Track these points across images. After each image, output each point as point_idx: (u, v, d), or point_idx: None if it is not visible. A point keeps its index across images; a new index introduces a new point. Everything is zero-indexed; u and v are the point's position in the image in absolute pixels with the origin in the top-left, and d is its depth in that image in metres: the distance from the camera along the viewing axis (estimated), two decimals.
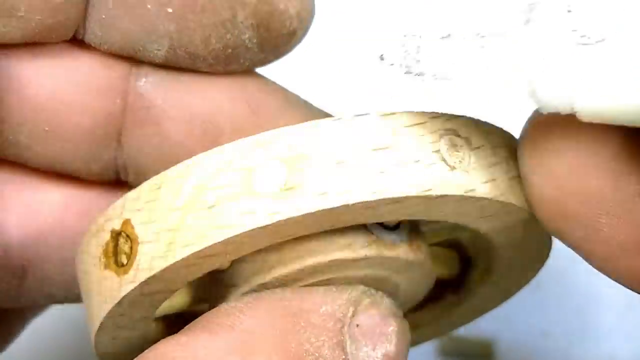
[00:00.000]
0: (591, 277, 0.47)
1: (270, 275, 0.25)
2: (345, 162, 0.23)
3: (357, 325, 0.25)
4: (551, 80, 0.18)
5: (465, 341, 0.45)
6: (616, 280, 0.22)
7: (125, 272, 0.24)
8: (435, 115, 0.23)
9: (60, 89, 0.29)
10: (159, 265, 0.23)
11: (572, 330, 0.46)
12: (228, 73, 0.29)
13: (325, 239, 0.25)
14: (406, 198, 0.22)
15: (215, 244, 0.22)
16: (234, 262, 0.25)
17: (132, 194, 0.24)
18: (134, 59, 0.29)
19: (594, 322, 0.46)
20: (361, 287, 0.26)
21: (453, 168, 0.23)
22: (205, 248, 0.23)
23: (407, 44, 0.22)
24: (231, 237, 0.22)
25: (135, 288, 0.23)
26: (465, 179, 0.23)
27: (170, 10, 0.28)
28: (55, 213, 0.31)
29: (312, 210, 0.22)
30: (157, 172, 0.26)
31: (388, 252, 0.25)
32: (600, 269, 0.22)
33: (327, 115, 0.30)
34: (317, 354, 0.24)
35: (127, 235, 0.24)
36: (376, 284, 0.26)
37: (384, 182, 0.22)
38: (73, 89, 0.29)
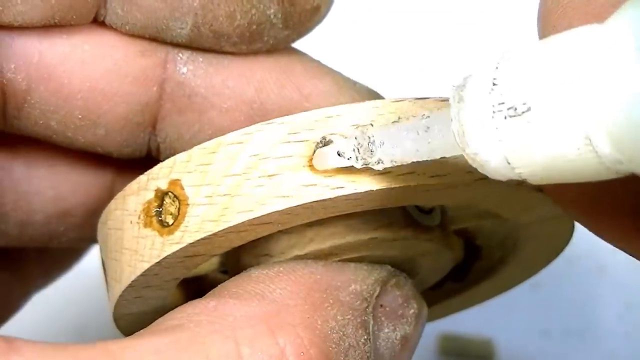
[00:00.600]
0: (591, 277, 0.48)
1: (306, 249, 0.25)
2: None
3: (381, 306, 0.25)
4: (492, 155, 0.18)
5: (465, 341, 0.45)
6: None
7: (170, 233, 0.23)
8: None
9: (94, 76, 0.28)
10: (210, 229, 0.23)
11: (572, 330, 0.46)
12: (252, 52, 0.29)
13: (365, 217, 0.25)
14: (461, 183, 0.22)
15: (273, 212, 0.22)
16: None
17: (181, 156, 0.24)
18: (158, 40, 0.28)
19: (594, 322, 0.46)
20: (388, 267, 0.26)
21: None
22: (263, 216, 0.22)
23: (358, 137, 0.22)
24: (290, 208, 0.22)
25: (180, 250, 0.23)
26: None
27: None
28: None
29: (374, 189, 0.22)
30: None
31: (424, 235, 0.26)
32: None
33: (378, 96, 0.30)
34: (341, 332, 0.24)
35: (175, 196, 0.23)
36: (402, 265, 0.26)
37: (441, 166, 0.22)
38: (107, 77, 0.28)
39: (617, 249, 0.22)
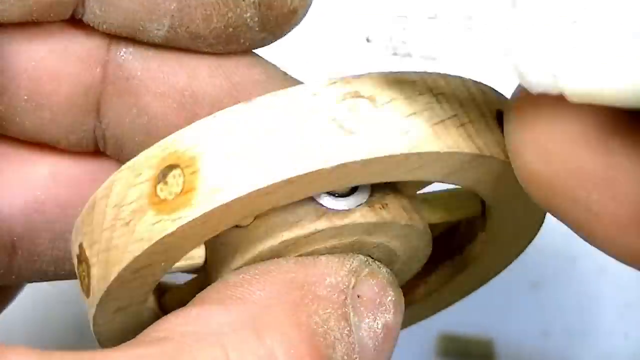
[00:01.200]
0: (591, 277, 0.47)
1: (258, 248, 0.25)
2: (237, 153, 0.23)
3: (359, 296, 0.25)
4: (538, 63, 0.18)
5: (465, 341, 0.45)
6: (617, 259, 0.21)
7: (86, 296, 0.25)
8: (332, 82, 0.23)
9: (39, 56, 0.29)
10: (103, 287, 0.24)
11: (572, 330, 0.46)
12: (228, 53, 0.29)
13: (278, 216, 0.25)
14: (316, 172, 0.22)
15: (137, 257, 0.23)
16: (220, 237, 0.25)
17: (78, 218, 0.25)
18: (135, 40, 0.29)
19: (594, 322, 0.46)
20: (360, 257, 0.26)
21: (351, 132, 0.23)
22: (130, 263, 0.23)
23: (392, 26, 0.21)
24: (148, 248, 0.23)
25: (91, 310, 0.25)
26: (368, 140, 0.23)
27: None
28: (44, 186, 0.31)
29: (209, 209, 0.23)
30: (135, 143, 0.27)
31: (340, 221, 0.25)
32: (599, 247, 0.21)
33: None
34: (325, 327, 0.24)
35: (82, 260, 0.25)
36: (370, 251, 0.26)
37: (284, 162, 0.22)
38: (52, 57, 0.29)
39: None
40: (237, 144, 0.23)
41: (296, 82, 0.30)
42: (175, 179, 0.23)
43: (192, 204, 0.23)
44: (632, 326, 0.45)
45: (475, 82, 0.25)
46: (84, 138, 0.30)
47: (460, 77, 0.24)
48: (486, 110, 0.24)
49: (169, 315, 0.24)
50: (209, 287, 0.25)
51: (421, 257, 0.29)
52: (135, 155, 0.24)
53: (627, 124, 0.20)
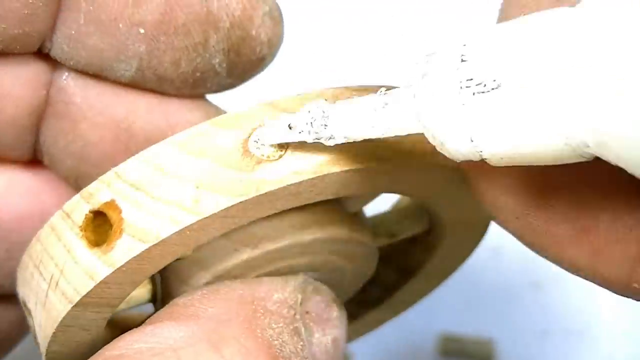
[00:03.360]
0: None
1: (203, 275, 0.26)
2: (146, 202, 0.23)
3: (307, 312, 0.26)
4: (454, 132, 0.18)
5: (465, 341, 0.45)
6: (558, 265, 0.23)
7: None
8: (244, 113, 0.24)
9: None
10: (48, 334, 0.24)
11: (572, 330, 0.46)
12: (193, 96, 0.29)
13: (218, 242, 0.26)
14: (231, 207, 0.23)
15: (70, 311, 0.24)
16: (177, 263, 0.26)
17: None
18: (101, 77, 0.29)
19: (594, 322, 0.46)
20: (301, 276, 0.26)
21: (260, 161, 0.23)
22: (66, 317, 0.24)
23: (312, 111, 0.22)
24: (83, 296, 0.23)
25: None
26: (278, 168, 0.23)
27: (142, 30, 0.27)
28: None
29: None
30: (67, 167, 0.28)
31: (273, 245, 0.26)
32: (538, 254, 0.23)
33: None
34: (280, 340, 0.24)
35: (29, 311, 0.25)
36: (320, 269, 0.27)
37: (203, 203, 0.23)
38: (2, 78, 0.29)
39: None
40: (146, 193, 0.23)
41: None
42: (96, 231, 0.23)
43: (111, 257, 0.23)
44: (632, 326, 0.45)
45: None
46: (26, 153, 0.30)
47: None
48: None
49: (124, 334, 0.24)
50: (160, 310, 0.25)
51: (366, 274, 0.29)
52: (66, 175, 0.25)
53: (561, 177, 0.21)
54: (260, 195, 0.23)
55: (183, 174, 0.23)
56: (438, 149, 0.19)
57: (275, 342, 0.24)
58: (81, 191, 0.24)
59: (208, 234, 0.23)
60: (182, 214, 0.22)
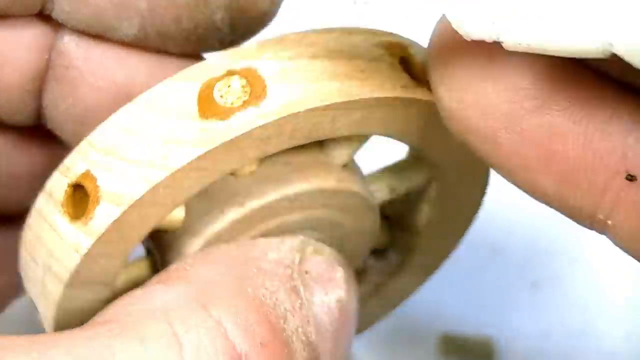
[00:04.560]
0: (591, 277, 0.47)
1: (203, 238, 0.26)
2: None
3: (306, 272, 0.25)
4: (476, 11, 0.18)
5: (465, 341, 0.45)
6: (527, 193, 0.22)
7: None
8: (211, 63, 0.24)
9: None
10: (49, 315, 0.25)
11: (572, 330, 0.46)
12: (196, 54, 0.29)
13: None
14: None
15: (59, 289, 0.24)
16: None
17: None
18: (103, 38, 0.29)
19: (594, 322, 0.46)
20: (301, 237, 0.26)
21: (225, 110, 0.23)
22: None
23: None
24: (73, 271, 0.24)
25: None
26: (243, 114, 0.23)
27: None
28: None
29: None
30: (68, 131, 0.28)
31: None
32: (508, 181, 0.22)
33: None
34: (274, 298, 0.24)
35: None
36: (318, 227, 0.27)
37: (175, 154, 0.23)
38: (4, 43, 0.28)
39: (618, 249, 0.22)
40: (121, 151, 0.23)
41: None
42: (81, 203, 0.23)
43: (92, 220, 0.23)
44: (633, 326, 0.45)
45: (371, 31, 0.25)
46: (30, 117, 0.30)
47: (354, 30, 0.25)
48: (388, 57, 0.24)
49: (115, 300, 0.24)
50: (153, 277, 0.25)
51: (369, 231, 0.29)
52: (68, 139, 0.25)
53: (562, 77, 0.20)
54: (227, 142, 0.23)
55: (149, 132, 0.23)
56: (455, 26, 0.19)
57: (268, 300, 0.24)
58: (59, 166, 0.24)
59: (183, 191, 0.23)
60: (153, 171, 0.23)
